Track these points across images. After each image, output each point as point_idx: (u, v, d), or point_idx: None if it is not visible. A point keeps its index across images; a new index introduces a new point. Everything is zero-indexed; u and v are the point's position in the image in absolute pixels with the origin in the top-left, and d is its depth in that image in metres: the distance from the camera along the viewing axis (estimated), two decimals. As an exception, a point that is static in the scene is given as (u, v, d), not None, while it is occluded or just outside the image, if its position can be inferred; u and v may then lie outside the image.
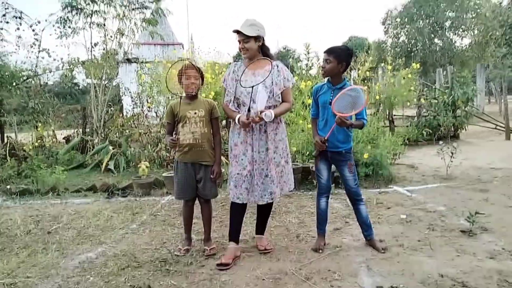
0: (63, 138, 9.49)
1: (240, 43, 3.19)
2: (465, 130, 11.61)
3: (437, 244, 3.49)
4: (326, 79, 3.43)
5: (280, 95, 3.21)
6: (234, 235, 3.37)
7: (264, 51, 3.28)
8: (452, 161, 6.40)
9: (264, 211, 3.55)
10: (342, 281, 2.86)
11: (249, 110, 3.13)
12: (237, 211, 3.35)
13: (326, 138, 3.30)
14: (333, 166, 3.53)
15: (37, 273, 3.12)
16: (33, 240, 3.96)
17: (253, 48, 3.19)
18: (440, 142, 6.82)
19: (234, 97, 3.23)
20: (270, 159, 3.19)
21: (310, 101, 6.68)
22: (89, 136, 8.69)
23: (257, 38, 3.19)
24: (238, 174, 3.20)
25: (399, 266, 3.07)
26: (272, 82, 3.18)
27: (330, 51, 3.28)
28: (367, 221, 3.50)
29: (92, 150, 8.13)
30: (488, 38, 15.05)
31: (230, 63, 10.35)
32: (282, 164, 3.30)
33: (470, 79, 11.95)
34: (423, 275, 2.90)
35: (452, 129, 11.06)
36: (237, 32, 3.16)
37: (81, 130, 9.26)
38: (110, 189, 5.98)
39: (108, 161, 7.41)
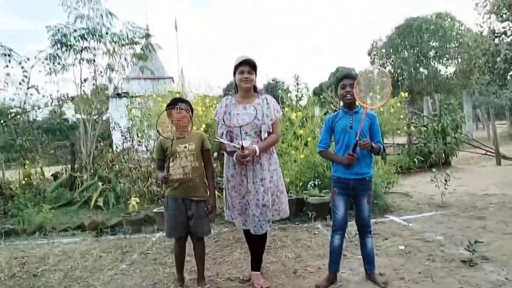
0: (51, 175, 9.28)
1: (243, 73, 3.24)
2: (456, 156, 11.69)
3: (439, 275, 3.38)
4: (341, 106, 3.33)
5: (271, 126, 3.27)
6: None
7: (254, 85, 3.37)
8: (446, 188, 6.36)
9: (259, 244, 3.43)
10: (344, 320, 2.72)
11: (242, 148, 3.06)
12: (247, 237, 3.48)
13: (357, 139, 3.04)
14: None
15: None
16: (18, 284, 3.75)
17: (254, 80, 3.28)
18: (433, 170, 6.81)
19: (227, 131, 3.29)
20: (266, 189, 3.22)
21: (301, 131, 6.68)
22: (77, 173, 8.51)
23: (256, 72, 3.30)
24: (239, 203, 3.29)
25: (401, 302, 2.95)
26: (263, 114, 3.25)
27: (352, 77, 3.21)
28: (371, 254, 3.37)
29: (81, 186, 7.94)
30: (472, 66, 15.39)
31: (220, 96, 10.43)
32: (276, 193, 3.33)
33: (457, 106, 12.17)
34: (427, 310, 2.77)
35: (443, 156, 11.11)
36: (245, 62, 3.22)
37: (69, 166, 9.07)
38: (99, 227, 5.78)
39: (97, 198, 7.21)
